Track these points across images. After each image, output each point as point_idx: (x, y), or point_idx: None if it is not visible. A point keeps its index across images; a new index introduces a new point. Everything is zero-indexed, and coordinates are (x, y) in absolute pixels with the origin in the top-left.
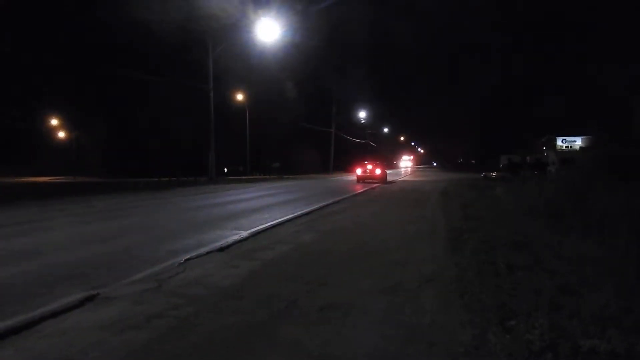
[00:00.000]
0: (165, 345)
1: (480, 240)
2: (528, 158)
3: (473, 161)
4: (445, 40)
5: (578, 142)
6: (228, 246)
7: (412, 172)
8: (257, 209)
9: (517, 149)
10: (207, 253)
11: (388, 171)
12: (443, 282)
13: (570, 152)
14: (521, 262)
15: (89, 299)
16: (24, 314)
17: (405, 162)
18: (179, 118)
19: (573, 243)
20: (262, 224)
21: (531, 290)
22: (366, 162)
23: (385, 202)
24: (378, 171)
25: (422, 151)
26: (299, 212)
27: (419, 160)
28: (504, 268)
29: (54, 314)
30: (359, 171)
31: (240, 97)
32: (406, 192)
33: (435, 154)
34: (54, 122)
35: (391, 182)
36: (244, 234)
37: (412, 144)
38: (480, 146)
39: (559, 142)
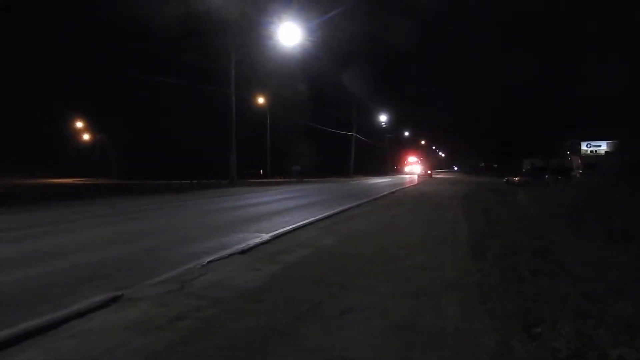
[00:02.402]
0: (188, 346)
1: (502, 245)
2: (551, 162)
3: (495, 165)
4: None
5: (603, 146)
6: (250, 249)
7: (422, 180)
8: (277, 212)
9: (540, 153)
10: (229, 255)
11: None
12: (465, 287)
13: (595, 156)
14: (545, 268)
15: (114, 299)
16: (51, 313)
17: (412, 167)
18: (200, 121)
19: (598, 249)
20: (283, 227)
21: (556, 297)
22: None
23: (406, 206)
24: None
25: (442, 155)
26: (319, 216)
27: (437, 164)
28: (528, 274)
29: (80, 314)
30: None
31: (261, 100)
32: (427, 197)
33: (457, 158)
34: (79, 125)
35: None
36: (265, 236)
37: (433, 147)
38: (503, 150)
39: (584, 146)
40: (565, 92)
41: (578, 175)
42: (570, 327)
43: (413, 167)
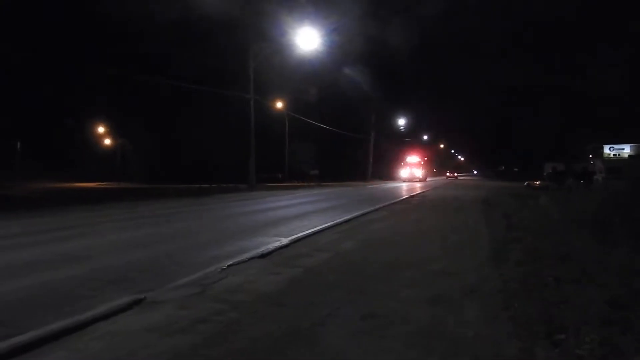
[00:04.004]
0: (209, 350)
1: (524, 251)
2: (574, 166)
3: (515, 169)
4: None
5: (627, 150)
6: (269, 253)
7: (430, 186)
8: (296, 216)
9: (562, 157)
10: (249, 259)
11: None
12: (487, 293)
13: (618, 160)
14: (568, 275)
15: (137, 302)
16: (76, 315)
17: (412, 171)
18: (219, 126)
19: (622, 256)
20: (302, 231)
21: (579, 304)
22: None
23: (426, 211)
24: None
25: (462, 159)
26: (338, 220)
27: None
28: (550, 280)
29: (105, 317)
30: None
31: (279, 104)
32: (446, 201)
33: (476, 162)
34: (100, 130)
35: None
36: (285, 240)
37: (452, 151)
38: (523, 154)
39: (607, 150)
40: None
41: (601, 179)
42: (595, 335)
43: (413, 171)
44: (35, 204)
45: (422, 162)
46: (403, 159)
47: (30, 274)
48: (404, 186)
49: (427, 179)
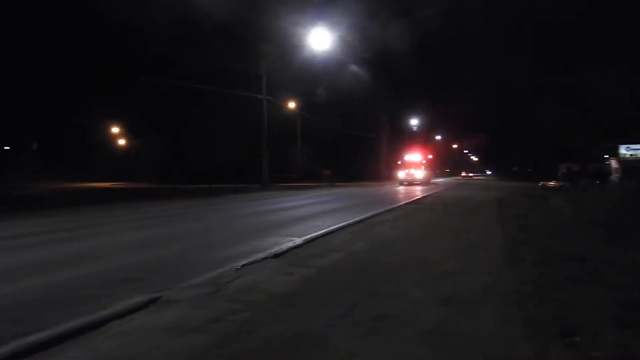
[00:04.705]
0: (224, 349)
1: (538, 252)
2: (589, 167)
3: (529, 169)
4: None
5: None
6: (283, 253)
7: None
8: (309, 216)
9: (576, 157)
10: (263, 259)
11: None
12: (500, 294)
13: (635, 160)
14: (582, 276)
15: (151, 301)
16: (91, 314)
17: (412, 172)
18: (231, 126)
19: (637, 257)
20: (314, 232)
21: (593, 305)
22: None
23: (438, 211)
24: None
25: (475, 159)
26: (351, 220)
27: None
28: (565, 281)
29: (119, 316)
30: None
31: (291, 105)
32: (459, 202)
33: (490, 162)
34: (114, 130)
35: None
36: (298, 241)
37: (466, 151)
38: (537, 154)
39: (623, 150)
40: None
41: (617, 179)
42: (610, 336)
43: (412, 172)
44: (48, 204)
45: (425, 161)
46: (400, 157)
47: (44, 273)
48: (419, 186)
49: (432, 181)
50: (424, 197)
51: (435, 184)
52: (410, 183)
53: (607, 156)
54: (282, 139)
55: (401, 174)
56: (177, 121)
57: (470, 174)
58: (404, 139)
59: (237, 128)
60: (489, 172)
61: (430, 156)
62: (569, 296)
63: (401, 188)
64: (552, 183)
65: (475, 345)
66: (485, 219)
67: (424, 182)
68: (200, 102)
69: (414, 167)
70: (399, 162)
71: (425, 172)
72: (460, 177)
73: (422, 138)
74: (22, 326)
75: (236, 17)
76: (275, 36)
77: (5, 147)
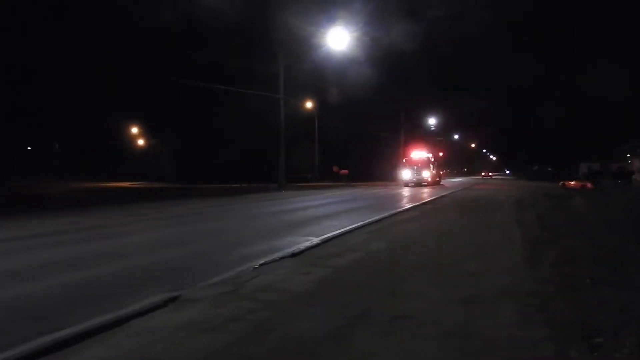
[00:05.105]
0: (242, 348)
1: (559, 252)
2: (611, 166)
3: (549, 169)
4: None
5: None
6: (300, 252)
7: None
8: (326, 216)
9: (597, 156)
10: (280, 259)
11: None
12: (520, 295)
13: None
14: (604, 277)
15: (171, 300)
16: (114, 312)
17: (415, 171)
18: (250, 126)
19: None
20: (331, 231)
21: (616, 307)
22: None
23: (456, 211)
24: None
25: (494, 159)
26: (368, 220)
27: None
28: (586, 282)
29: (140, 313)
30: None
31: (309, 104)
32: (477, 201)
33: (509, 161)
34: (134, 130)
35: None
36: (315, 240)
37: (484, 151)
38: (559, 153)
39: None
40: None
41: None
42: (634, 338)
43: (419, 171)
44: (72, 203)
45: (433, 160)
46: (405, 155)
47: (67, 271)
48: (422, 190)
49: (441, 182)
50: (441, 196)
51: (445, 185)
52: (417, 184)
53: (629, 155)
54: (299, 139)
55: (406, 174)
56: (195, 121)
57: (490, 174)
58: (421, 138)
59: (254, 128)
60: (507, 172)
61: (440, 154)
62: (590, 297)
63: (406, 190)
64: (572, 182)
65: (496, 345)
66: (505, 219)
67: (433, 183)
68: (218, 102)
69: (420, 166)
70: (403, 160)
71: (433, 171)
72: (479, 177)
73: (439, 137)
74: (49, 322)
75: (253, 18)
76: (293, 36)
77: (28, 148)
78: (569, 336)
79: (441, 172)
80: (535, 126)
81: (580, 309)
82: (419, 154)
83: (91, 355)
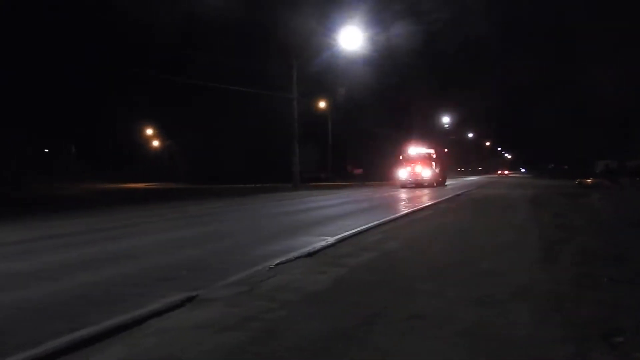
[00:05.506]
0: (259, 347)
1: (576, 251)
2: (629, 163)
3: (565, 167)
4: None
5: None
6: (315, 252)
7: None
8: (340, 216)
9: (615, 154)
10: (296, 258)
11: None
12: (537, 294)
13: None
14: (623, 276)
15: (189, 299)
16: (132, 311)
17: (414, 170)
18: (263, 126)
19: None
20: (346, 231)
21: (636, 305)
22: None
23: (471, 210)
24: None
25: (509, 157)
26: (383, 220)
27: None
28: (605, 281)
29: (158, 313)
30: None
31: (322, 104)
32: (492, 200)
33: (524, 159)
34: (149, 132)
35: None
36: (330, 240)
37: (499, 149)
38: (575, 151)
39: None
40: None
41: None
42: None
43: (421, 171)
44: (88, 204)
45: (435, 157)
46: (403, 151)
47: (86, 271)
48: (451, 185)
49: (446, 183)
50: (456, 195)
51: (449, 186)
52: (417, 185)
53: None
54: (312, 138)
55: (402, 173)
56: (209, 121)
57: (506, 172)
58: (436, 137)
59: (267, 127)
60: (523, 170)
61: (445, 150)
62: (609, 296)
63: (419, 190)
64: (589, 180)
65: (513, 346)
66: (521, 218)
67: (435, 183)
68: (232, 103)
69: (420, 164)
70: (400, 157)
71: (436, 170)
72: (495, 175)
73: (453, 136)
74: (68, 322)
75: (267, 17)
76: (306, 36)
77: (45, 150)
78: (588, 335)
79: (445, 171)
80: (550, 123)
81: (599, 308)
82: (418, 150)
83: (111, 354)
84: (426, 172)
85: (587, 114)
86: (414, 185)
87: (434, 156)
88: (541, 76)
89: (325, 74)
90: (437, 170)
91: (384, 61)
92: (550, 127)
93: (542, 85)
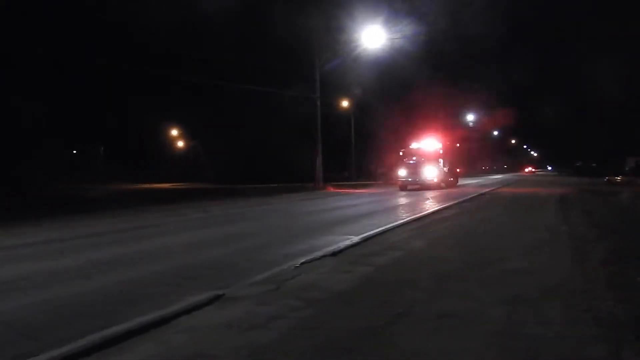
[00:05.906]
0: (286, 345)
1: (607, 250)
2: None
3: (594, 164)
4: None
5: None
6: (340, 251)
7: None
8: (364, 215)
9: None
10: (321, 257)
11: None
12: (568, 293)
13: None
14: None
15: (216, 298)
16: (161, 310)
17: (417, 169)
18: (286, 126)
19: None
20: (371, 230)
21: None
22: None
23: (498, 209)
24: None
25: (535, 154)
26: (408, 218)
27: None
28: (637, 281)
29: (187, 311)
30: None
31: (345, 104)
32: (519, 198)
33: (551, 157)
34: (174, 132)
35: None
36: (355, 239)
37: (525, 147)
38: (604, 148)
39: None
40: None
41: None
42: None
43: (425, 170)
44: (117, 204)
45: (442, 152)
46: (403, 147)
47: (116, 270)
48: (476, 183)
49: (458, 184)
50: (481, 194)
51: (460, 186)
52: (420, 187)
53: None
54: (337, 138)
55: (402, 173)
56: (233, 122)
57: (534, 170)
58: (461, 134)
59: (293, 127)
60: (549, 168)
61: (457, 144)
62: None
63: (461, 184)
64: (618, 178)
65: (544, 345)
66: (550, 216)
67: (444, 185)
68: (255, 103)
69: (424, 161)
70: (400, 153)
71: (444, 169)
72: (522, 173)
73: (479, 133)
74: (99, 320)
75: (290, 17)
76: (330, 35)
77: (73, 151)
78: (620, 336)
79: (457, 170)
80: (578, 120)
81: (631, 308)
82: (423, 144)
83: (142, 352)
84: (431, 171)
85: (612, 110)
86: (417, 187)
87: (441, 151)
88: (571, 71)
89: (348, 74)
90: (445, 169)
91: (410, 59)
92: (572, 125)
93: (572, 82)
